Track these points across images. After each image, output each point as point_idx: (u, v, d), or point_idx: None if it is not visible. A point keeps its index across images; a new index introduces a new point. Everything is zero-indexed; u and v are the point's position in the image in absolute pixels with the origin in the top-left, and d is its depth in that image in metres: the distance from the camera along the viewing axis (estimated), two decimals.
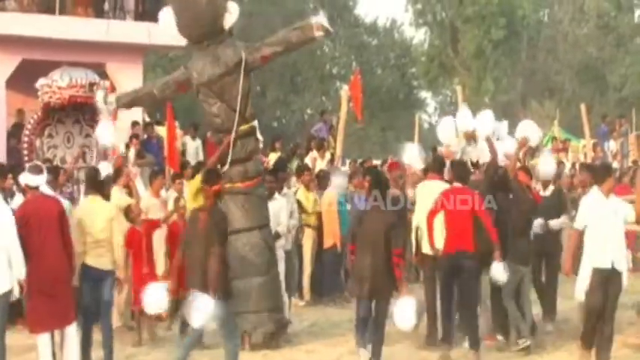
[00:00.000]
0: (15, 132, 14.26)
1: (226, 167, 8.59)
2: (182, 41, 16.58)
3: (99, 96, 9.30)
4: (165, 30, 9.06)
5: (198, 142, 15.49)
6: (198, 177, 8.51)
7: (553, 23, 37.81)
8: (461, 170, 8.45)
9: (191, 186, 8.79)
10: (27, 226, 7.25)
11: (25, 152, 13.04)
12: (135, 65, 15.83)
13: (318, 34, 8.93)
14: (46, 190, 7.74)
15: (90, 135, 13.92)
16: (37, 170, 7.51)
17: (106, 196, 8.53)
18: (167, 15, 8.78)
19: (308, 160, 13.95)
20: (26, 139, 13.18)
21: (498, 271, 8.02)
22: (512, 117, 31.60)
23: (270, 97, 31.30)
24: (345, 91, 13.90)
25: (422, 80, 37.90)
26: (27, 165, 8.02)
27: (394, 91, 35.85)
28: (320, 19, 8.81)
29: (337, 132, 13.12)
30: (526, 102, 35.48)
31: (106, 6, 15.65)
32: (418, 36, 38.71)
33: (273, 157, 14.11)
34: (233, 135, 8.57)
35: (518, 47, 34.43)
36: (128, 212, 9.10)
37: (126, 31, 15.24)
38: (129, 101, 9.34)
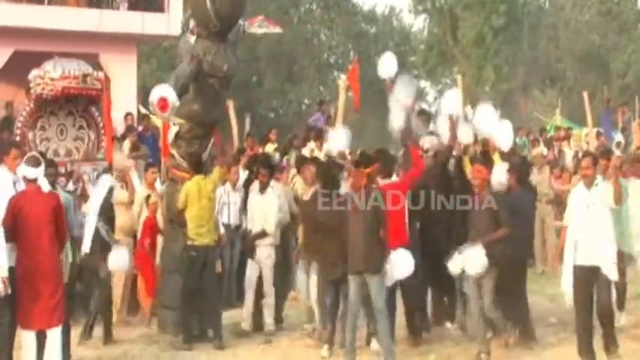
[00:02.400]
0: (6, 125, 14.02)
1: None
2: (175, 31, 16.42)
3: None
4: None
5: None
6: (218, 169, 9.05)
7: (555, 10, 37.53)
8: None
9: (214, 176, 9.01)
10: (18, 219, 7.09)
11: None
12: (129, 56, 15.62)
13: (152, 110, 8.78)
14: (44, 183, 7.54)
15: (83, 127, 13.71)
16: (35, 162, 7.32)
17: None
18: None
19: (306, 152, 13.73)
20: (18, 131, 12.96)
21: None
22: (513, 106, 31.48)
23: (266, 86, 31.03)
24: (343, 80, 13.68)
25: (421, 69, 37.65)
26: (25, 157, 7.83)
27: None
28: (152, 97, 8.52)
29: (335, 122, 12.89)
30: (528, 90, 35.23)
31: None
32: (417, 23, 38.46)
33: (270, 148, 13.89)
34: None
35: (520, 35, 34.13)
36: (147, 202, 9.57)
37: (119, 21, 15.01)
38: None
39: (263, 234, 9.15)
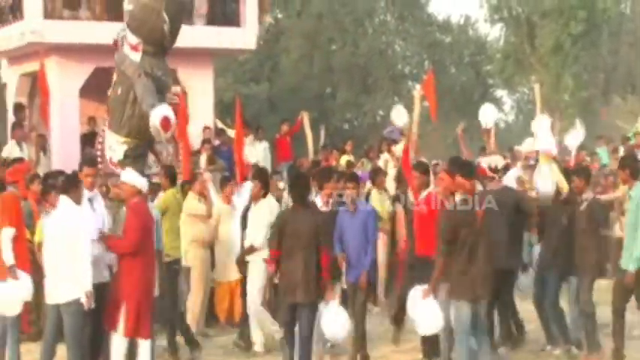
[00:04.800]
0: (89, 139, 14.37)
1: None
2: (251, 45, 16.59)
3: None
4: None
5: (265, 143, 15.41)
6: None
7: (635, 16, 36.53)
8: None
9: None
10: (146, 230, 7.43)
11: (100, 159, 13.10)
12: (205, 70, 15.83)
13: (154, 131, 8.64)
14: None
15: (161, 142, 13.92)
16: (142, 173, 7.66)
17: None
18: None
19: (380, 163, 13.69)
20: (99, 146, 13.23)
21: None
22: (593, 114, 30.71)
23: (340, 98, 31.06)
24: (417, 91, 13.57)
25: (497, 78, 37.13)
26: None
27: (469, 90, 35.19)
28: (154, 118, 8.45)
29: (410, 133, 12.80)
30: (608, 98, 34.36)
31: None
32: (493, 32, 37.92)
33: (344, 160, 13.88)
34: None
35: (599, 41, 33.31)
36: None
37: (196, 36, 15.20)
38: None
39: (251, 249, 8.93)
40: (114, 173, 9.09)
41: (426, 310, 7.36)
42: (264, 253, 8.71)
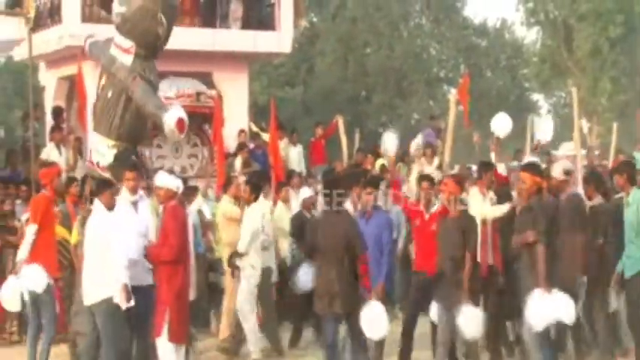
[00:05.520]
0: None
1: None
2: (286, 48, 16.62)
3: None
4: None
5: (300, 147, 15.40)
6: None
7: None
8: None
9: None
10: (184, 233, 7.39)
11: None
12: (241, 74, 15.87)
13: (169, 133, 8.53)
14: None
15: (197, 144, 14.01)
16: (174, 175, 7.67)
17: None
18: None
19: (416, 166, 13.61)
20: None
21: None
22: (631, 118, 30.25)
23: (375, 101, 31.01)
24: (453, 94, 13.50)
25: (534, 82, 36.81)
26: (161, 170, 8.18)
27: (505, 94, 34.92)
28: (170, 120, 8.33)
29: (446, 137, 12.73)
30: None
31: (214, 15, 15.75)
32: (530, 36, 37.63)
33: (378, 164, 13.83)
34: None
35: (637, 45, 32.89)
36: None
37: (232, 40, 15.28)
38: None
39: (236, 254, 8.78)
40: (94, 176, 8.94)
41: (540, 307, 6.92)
42: (251, 259, 8.70)
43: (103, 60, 9.14)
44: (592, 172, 10.10)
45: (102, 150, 8.99)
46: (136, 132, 8.92)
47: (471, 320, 7.43)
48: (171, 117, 8.48)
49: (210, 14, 15.50)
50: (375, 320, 7.39)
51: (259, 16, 15.82)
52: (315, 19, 31.81)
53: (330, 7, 31.11)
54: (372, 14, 30.79)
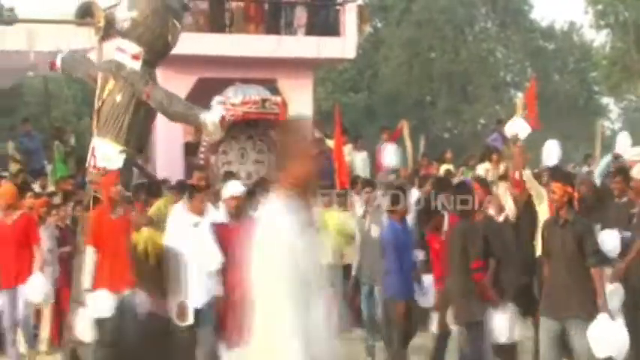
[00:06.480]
0: (191, 149, 14.67)
1: None
2: (350, 54, 16.58)
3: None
4: None
5: (364, 153, 15.34)
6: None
7: None
8: None
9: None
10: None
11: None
12: (305, 80, 15.92)
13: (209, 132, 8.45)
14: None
15: (263, 151, 14.10)
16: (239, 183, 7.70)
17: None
18: None
19: (480, 171, 13.46)
20: (202, 155, 13.53)
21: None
22: None
23: (440, 106, 30.77)
24: (520, 99, 13.31)
25: (603, 85, 36.05)
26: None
27: (573, 98, 34.30)
28: (214, 116, 8.20)
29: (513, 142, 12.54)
30: None
31: (278, 22, 15.85)
32: (599, 38, 36.83)
33: (443, 169, 13.71)
34: None
35: None
36: None
37: (296, 47, 15.34)
38: None
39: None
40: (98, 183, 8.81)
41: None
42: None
43: (104, 64, 9.21)
44: None
45: (109, 155, 8.97)
46: (143, 138, 9.02)
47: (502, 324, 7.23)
48: (216, 114, 8.57)
49: (274, 21, 15.60)
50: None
51: (324, 23, 15.85)
52: (379, 25, 31.76)
53: (394, 12, 31.01)
54: (436, 18, 30.60)
